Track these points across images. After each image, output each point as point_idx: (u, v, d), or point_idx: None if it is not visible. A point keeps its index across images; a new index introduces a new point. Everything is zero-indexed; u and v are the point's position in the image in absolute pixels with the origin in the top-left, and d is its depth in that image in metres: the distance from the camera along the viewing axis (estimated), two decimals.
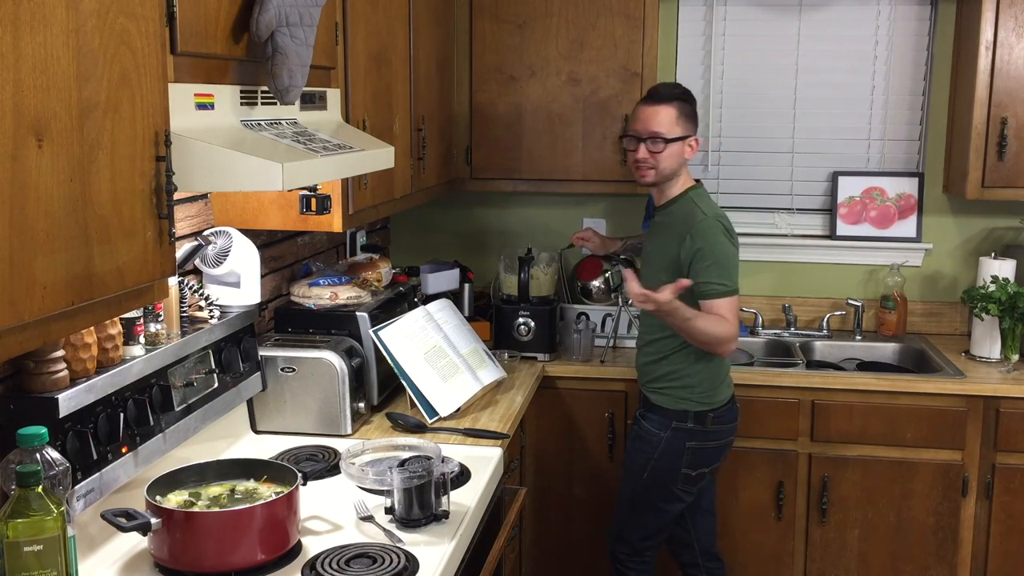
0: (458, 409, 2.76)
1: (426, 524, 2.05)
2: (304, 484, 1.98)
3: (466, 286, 3.57)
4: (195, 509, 1.86)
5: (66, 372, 1.77)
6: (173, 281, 2.10)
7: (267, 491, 1.96)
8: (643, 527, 2.93)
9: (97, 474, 1.81)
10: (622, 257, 3.46)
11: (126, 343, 1.95)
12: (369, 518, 2.07)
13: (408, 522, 2.04)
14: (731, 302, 2.70)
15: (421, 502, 2.05)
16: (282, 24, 1.84)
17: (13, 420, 1.68)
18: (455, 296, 3.44)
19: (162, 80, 1.55)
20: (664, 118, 2.76)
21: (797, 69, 3.74)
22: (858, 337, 3.69)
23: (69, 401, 1.74)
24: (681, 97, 2.81)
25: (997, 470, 3.18)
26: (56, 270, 1.31)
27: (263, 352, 2.55)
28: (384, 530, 2.01)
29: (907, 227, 3.74)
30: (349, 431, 2.60)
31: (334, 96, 2.30)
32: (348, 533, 2.03)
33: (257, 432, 2.60)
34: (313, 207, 2.32)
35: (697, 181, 2.88)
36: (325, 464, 2.38)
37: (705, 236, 2.70)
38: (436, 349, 2.81)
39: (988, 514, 3.21)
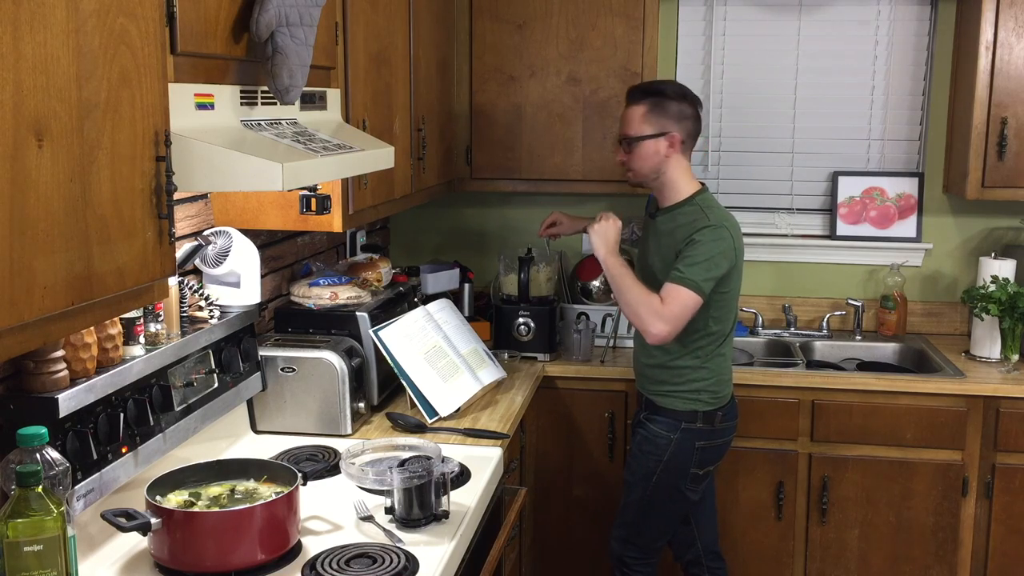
0: (458, 409, 2.76)
1: (426, 524, 2.05)
2: (304, 484, 1.98)
3: (466, 286, 3.57)
4: (195, 509, 1.86)
5: (66, 372, 1.77)
6: (173, 281, 2.10)
7: (267, 491, 1.96)
8: (653, 529, 2.92)
9: (97, 474, 1.81)
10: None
11: (126, 343, 1.95)
12: (369, 518, 2.07)
13: (408, 522, 2.04)
14: (685, 295, 2.61)
15: (421, 502, 2.05)
16: (282, 24, 1.84)
17: (13, 420, 1.68)
18: (455, 296, 3.43)
19: (162, 80, 1.55)
20: (630, 118, 2.76)
21: (797, 69, 3.74)
22: (858, 337, 3.69)
23: (69, 401, 1.74)
24: (656, 92, 2.75)
25: (997, 470, 3.18)
26: (56, 270, 1.31)
27: (263, 352, 2.55)
28: (384, 530, 2.01)
29: (907, 227, 3.74)
30: (349, 431, 2.60)
31: (334, 96, 2.30)
32: (348, 533, 2.02)
33: (257, 432, 2.60)
34: (313, 207, 2.32)
35: (703, 185, 2.83)
36: (325, 464, 2.38)
37: (706, 237, 2.65)
38: (436, 349, 2.81)
39: (988, 514, 3.21)
